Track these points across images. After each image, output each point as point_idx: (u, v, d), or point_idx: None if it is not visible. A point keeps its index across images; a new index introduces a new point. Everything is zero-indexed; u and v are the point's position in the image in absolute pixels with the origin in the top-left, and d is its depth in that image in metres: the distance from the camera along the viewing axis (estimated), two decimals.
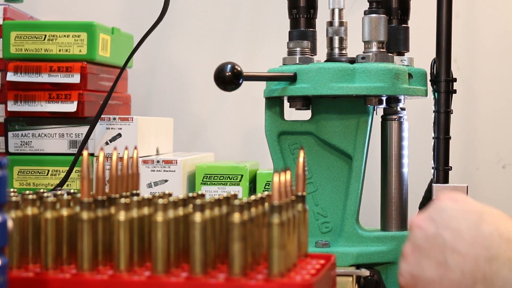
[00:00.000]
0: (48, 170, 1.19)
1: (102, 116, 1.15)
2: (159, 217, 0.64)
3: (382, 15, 0.95)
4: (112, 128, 1.17)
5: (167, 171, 1.16)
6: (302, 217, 0.72)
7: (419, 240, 0.79)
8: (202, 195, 0.73)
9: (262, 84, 0.99)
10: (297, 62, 0.97)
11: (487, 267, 0.74)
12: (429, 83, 1.00)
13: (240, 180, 1.17)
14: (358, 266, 0.93)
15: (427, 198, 1.03)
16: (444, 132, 1.00)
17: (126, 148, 0.74)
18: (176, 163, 1.16)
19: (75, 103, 1.19)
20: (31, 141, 1.20)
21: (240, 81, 0.90)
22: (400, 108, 0.99)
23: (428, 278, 0.77)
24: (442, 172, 1.00)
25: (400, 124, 0.99)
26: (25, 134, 1.20)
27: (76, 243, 0.66)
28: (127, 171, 0.74)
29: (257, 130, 1.45)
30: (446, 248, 0.77)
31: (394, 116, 0.99)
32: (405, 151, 1.00)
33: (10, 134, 1.20)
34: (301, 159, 0.72)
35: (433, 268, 0.77)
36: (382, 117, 1.00)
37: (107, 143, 1.16)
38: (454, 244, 0.77)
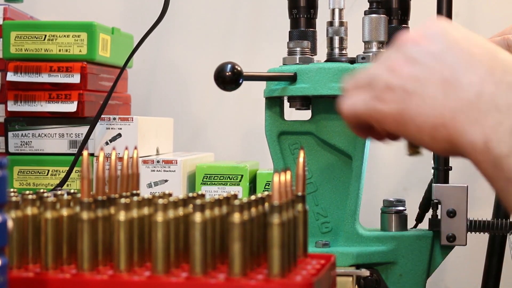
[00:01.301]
0: (48, 170, 1.19)
1: (102, 116, 1.15)
2: (159, 217, 0.64)
3: (382, 15, 0.95)
4: (112, 128, 1.17)
5: (167, 171, 1.16)
6: (302, 217, 0.72)
7: (417, 54, 0.66)
8: (202, 195, 0.73)
9: (262, 84, 0.99)
10: (297, 62, 0.97)
11: (510, 96, 0.62)
12: None
13: (240, 180, 1.17)
14: (358, 266, 0.93)
15: (427, 198, 1.03)
16: None
17: (126, 148, 0.74)
18: (176, 163, 1.16)
19: (75, 103, 1.19)
20: (31, 141, 1.20)
21: (240, 81, 0.90)
22: None
23: (429, 94, 0.65)
24: (442, 172, 1.00)
25: None
26: (25, 134, 1.20)
27: (76, 243, 0.66)
28: (127, 171, 0.74)
29: (257, 130, 1.45)
30: (458, 66, 0.64)
31: None
32: None
33: (10, 134, 1.20)
34: (301, 159, 0.72)
35: (437, 83, 0.64)
36: None
37: (107, 143, 1.17)
38: (468, 65, 0.64)
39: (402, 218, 0.99)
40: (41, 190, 0.73)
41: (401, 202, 0.99)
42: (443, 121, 0.63)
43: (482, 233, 1.02)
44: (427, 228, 0.99)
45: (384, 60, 0.67)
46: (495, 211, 1.16)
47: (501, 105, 0.61)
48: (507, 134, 0.60)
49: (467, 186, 0.98)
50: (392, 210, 0.98)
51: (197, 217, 0.63)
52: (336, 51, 1.00)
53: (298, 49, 0.97)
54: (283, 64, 0.98)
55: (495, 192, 0.63)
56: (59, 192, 0.71)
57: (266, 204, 0.70)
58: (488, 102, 0.62)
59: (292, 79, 0.94)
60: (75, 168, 1.16)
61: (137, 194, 0.75)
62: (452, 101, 0.63)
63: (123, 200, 0.66)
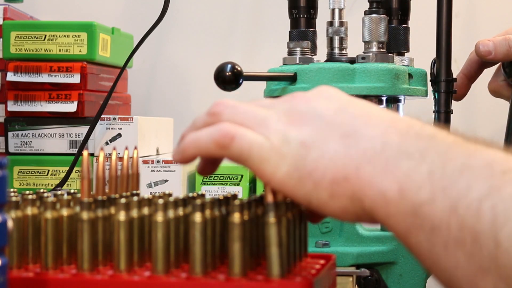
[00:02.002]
0: (48, 170, 1.19)
1: (102, 116, 1.15)
2: (159, 217, 0.64)
3: (382, 15, 0.95)
4: (112, 128, 1.17)
5: (167, 171, 1.16)
6: (301, 216, 0.72)
7: (314, 110, 0.60)
8: (202, 195, 0.73)
9: (262, 84, 0.99)
10: (297, 62, 0.97)
11: (423, 143, 0.56)
12: (429, 83, 1.00)
13: (240, 180, 1.17)
14: (358, 266, 0.93)
15: None
16: None
17: (126, 148, 0.74)
18: (176, 163, 1.16)
19: (75, 103, 1.19)
20: (31, 141, 1.20)
21: (240, 81, 0.90)
22: None
23: (329, 148, 0.58)
24: None
25: None
26: (25, 134, 1.20)
27: (76, 243, 0.66)
28: (127, 171, 0.74)
29: None
30: (356, 121, 0.59)
31: None
32: None
33: (10, 134, 1.20)
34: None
35: (336, 138, 0.58)
36: None
37: (107, 143, 1.17)
38: (368, 119, 0.59)
39: None
40: (41, 190, 0.73)
41: None
42: (345, 173, 0.57)
43: None
44: None
45: (277, 109, 0.61)
46: None
47: (412, 152, 0.56)
48: (425, 179, 0.54)
49: None
50: None
51: (197, 217, 0.63)
52: (336, 51, 1.00)
53: (298, 49, 0.97)
54: (283, 64, 0.98)
55: (412, 250, 0.56)
56: (59, 192, 0.71)
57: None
58: (396, 150, 0.56)
59: (292, 79, 0.94)
60: (75, 168, 1.16)
61: (137, 194, 0.75)
62: (355, 153, 0.57)
63: (123, 200, 0.66)
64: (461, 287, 0.53)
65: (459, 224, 0.52)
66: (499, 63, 1.08)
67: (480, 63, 1.06)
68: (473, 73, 1.07)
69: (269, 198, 0.63)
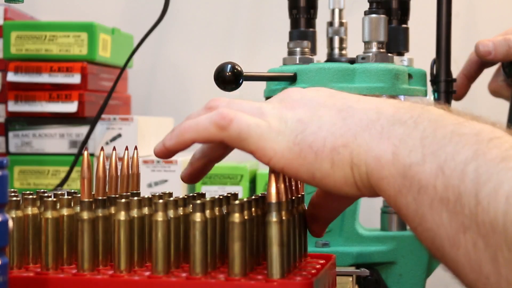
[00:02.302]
0: (49, 170, 1.19)
1: (102, 116, 1.15)
2: (159, 217, 0.64)
3: (382, 15, 0.96)
4: (112, 128, 1.17)
5: (167, 171, 1.16)
6: (301, 217, 0.72)
7: (308, 95, 0.64)
8: (202, 195, 0.73)
9: (262, 84, 0.99)
10: (297, 62, 0.97)
11: (415, 112, 0.59)
12: (429, 83, 1.01)
13: (240, 180, 1.17)
14: (358, 266, 0.93)
15: None
16: None
17: (126, 148, 0.74)
18: (176, 163, 1.16)
19: (76, 103, 1.19)
20: (31, 141, 1.20)
21: (240, 81, 0.90)
22: None
23: (325, 121, 0.61)
24: None
25: None
26: (26, 134, 1.20)
27: (76, 243, 0.66)
28: (127, 171, 0.74)
29: None
30: (349, 100, 0.63)
31: None
32: None
33: (10, 134, 1.20)
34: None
35: (333, 113, 0.61)
36: None
37: (107, 143, 1.17)
38: (358, 98, 0.63)
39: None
40: (41, 190, 0.73)
41: None
42: (344, 141, 0.59)
43: None
44: None
45: (271, 101, 0.65)
46: None
47: (405, 119, 0.58)
48: (417, 143, 0.57)
49: None
50: (392, 210, 0.98)
51: (197, 217, 0.63)
52: (336, 51, 1.00)
53: (298, 49, 0.97)
54: (283, 64, 0.98)
55: (400, 211, 0.58)
56: (59, 192, 0.71)
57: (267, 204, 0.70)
58: (391, 119, 0.59)
59: (292, 79, 0.94)
60: (75, 168, 1.16)
61: (137, 194, 0.75)
62: (352, 123, 0.60)
63: (123, 200, 0.66)
64: (443, 245, 0.55)
65: (445, 184, 0.54)
66: (499, 63, 1.08)
67: (480, 63, 1.06)
68: (473, 73, 1.07)
69: (271, 197, 0.63)
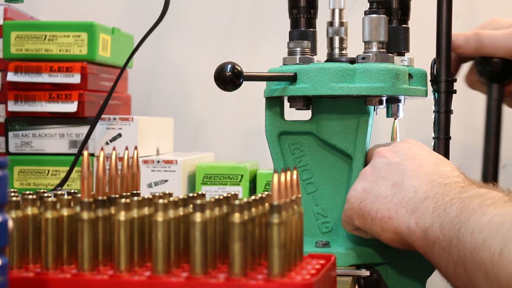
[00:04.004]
0: (49, 170, 1.19)
1: (102, 116, 1.15)
2: (159, 217, 0.64)
3: (382, 15, 0.96)
4: (112, 128, 1.17)
5: (167, 171, 1.16)
6: (301, 218, 0.72)
7: (380, 165, 0.86)
8: (202, 195, 0.73)
9: (262, 84, 0.99)
10: (297, 62, 0.97)
11: (440, 189, 0.80)
12: (429, 83, 1.00)
13: (240, 180, 1.17)
14: (358, 266, 0.93)
15: None
16: (444, 132, 1.00)
17: (126, 148, 0.74)
18: (176, 163, 1.16)
19: (76, 103, 1.19)
20: (31, 141, 1.20)
21: (240, 81, 0.90)
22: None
23: (381, 194, 0.84)
24: None
25: None
26: (26, 134, 1.20)
27: (76, 243, 0.66)
28: (127, 171, 0.74)
29: (257, 130, 1.45)
30: (405, 173, 0.84)
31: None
32: None
33: (10, 134, 1.20)
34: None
35: (389, 186, 0.84)
36: None
37: (107, 143, 1.17)
38: (414, 172, 0.84)
39: None
40: (41, 190, 0.73)
41: None
42: (389, 214, 0.82)
43: None
44: None
45: (364, 169, 0.89)
46: None
47: (430, 195, 0.80)
48: (430, 212, 0.79)
49: None
50: None
51: (197, 217, 0.63)
52: (336, 51, 1.00)
53: (298, 49, 0.97)
54: (283, 64, 0.98)
55: (432, 263, 0.80)
56: (59, 192, 0.71)
57: (266, 204, 0.70)
58: (422, 196, 0.81)
59: (292, 79, 0.94)
60: (75, 168, 1.16)
61: (137, 194, 0.75)
62: (397, 200, 0.82)
63: (123, 200, 0.66)
64: (450, 280, 0.77)
65: (444, 234, 0.76)
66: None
67: (458, 58, 1.07)
68: (452, 69, 1.07)
69: (274, 199, 0.63)
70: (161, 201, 0.65)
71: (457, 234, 0.73)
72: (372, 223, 0.84)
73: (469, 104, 1.44)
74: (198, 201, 0.64)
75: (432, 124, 1.01)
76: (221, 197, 0.69)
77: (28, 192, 0.70)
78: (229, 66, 0.90)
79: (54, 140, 1.20)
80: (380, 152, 0.88)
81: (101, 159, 0.68)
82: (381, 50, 0.95)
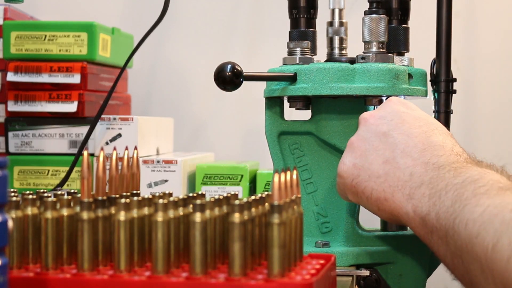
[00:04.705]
0: (48, 170, 1.19)
1: (102, 116, 1.15)
2: (159, 217, 0.64)
3: (382, 15, 0.96)
4: (112, 128, 1.17)
5: (167, 171, 1.16)
6: (300, 217, 0.72)
7: (367, 134, 0.84)
8: (202, 195, 0.73)
9: (262, 84, 0.99)
10: (297, 62, 0.97)
11: (434, 173, 0.78)
12: (429, 83, 1.01)
13: (240, 180, 1.17)
14: (358, 266, 0.93)
15: None
16: None
17: (126, 148, 0.74)
18: (176, 163, 1.16)
19: (75, 103, 1.19)
20: (31, 141, 1.20)
21: (240, 81, 0.90)
22: None
23: (373, 172, 0.82)
24: None
25: None
26: (26, 134, 1.20)
27: (76, 243, 0.66)
28: (127, 171, 0.74)
29: (257, 130, 1.45)
30: (396, 148, 0.81)
31: None
32: None
33: (10, 134, 1.20)
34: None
35: (381, 163, 0.82)
36: None
37: (107, 143, 1.17)
38: (405, 147, 0.81)
39: None
40: (41, 190, 0.73)
41: None
42: (385, 196, 0.81)
43: None
44: None
45: (351, 139, 0.86)
46: None
47: (426, 180, 0.78)
48: (426, 200, 0.78)
49: None
50: None
51: (197, 217, 0.63)
52: (336, 51, 1.00)
53: (298, 49, 0.97)
54: (283, 64, 0.98)
55: (431, 250, 0.79)
56: (59, 192, 0.71)
57: (266, 204, 0.70)
58: (417, 180, 0.79)
59: (292, 79, 0.94)
60: (75, 168, 1.16)
61: (137, 194, 0.75)
62: (391, 180, 0.81)
63: (123, 200, 0.66)
64: (449, 269, 0.77)
65: (440, 224, 0.75)
66: None
67: None
68: None
69: (274, 199, 0.63)
70: (161, 201, 0.65)
71: (453, 225, 0.73)
72: (368, 202, 0.83)
73: (469, 104, 1.44)
74: (198, 201, 0.64)
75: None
76: (221, 197, 0.69)
77: (28, 192, 0.70)
78: (229, 66, 0.90)
79: (54, 140, 1.20)
80: (366, 118, 0.86)
81: (101, 159, 0.68)
82: (381, 50, 0.95)
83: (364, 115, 0.86)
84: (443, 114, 1.00)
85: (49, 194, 0.72)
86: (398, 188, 0.80)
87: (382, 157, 0.82)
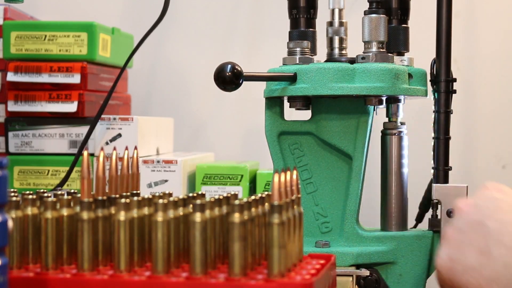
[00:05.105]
0: (48, 170, 1.19)
1: (102, 116, 1.15)
2: (159, 217, 0.64)
3: (382, 15, 0.96)
4: (112, 128, 1.17)
5: (167, 171, 1.16)
6: (300, 217, 0.72)
7: (462, 225, 0.81)
8: (202, 195, 0.73)
9: (262, 84, 0.99)
10: (297, 62, 0.97)
11: None
12: (429, 83, 1.00)
13: (240, 180, 1.17)
14: (358, 266, 0.93)
15: (427, 198, 1.03)
16: (444, 132, 1.00)
17: (126, 148, 0.74)
18: (176, 163, 1.16)
19: (75, 103, 1.19)
20: (31, 141, 1.20)
21: (240, 81, 0.90)
22: (400, 122, 1.00)
23: (468, 265, 0.79)
24: (442, 172, 1.00)
25: (400, 138, 0.99)
26: (26, 134, 1.20)
27: (76, 243, 0.66)
28: (127, 171, 0.74)
29: (257, 130, 1.45)
30: (490, 238, 0.79)
31: (394, 131, 0.99)
32: (405, 151, 1.00)
33: (10, 134, 1.20)
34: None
35: (475, 255, 0.79)
36: (382, 131, 1.00)
37: (107, 143, 1.17)
38: (499, 235, 0.79)
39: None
40: (41, 190, 0.73)
41: None
42: None
43: None
44: (427, 228, 0.99)
45: (445, 230, 0.84)
46: None
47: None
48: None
49: (467, 186, 0.98)
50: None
51: (197, 217, 0.63)
52: (336, 51, 1.00)
53: (298, 49, 0.97)
54: (283, 64, 0.98)
55: None
56: (59, 192, 0.71)
57: (266, 204, 0.70)
58: (509, 272, 0.77)
59: (292, 79, 0.94)
60: (75, 168, 1.16)
61: (137, 194, 0.75)
62: (487, 272, 0.78)
63: (123, 200, 0.66)
64: None
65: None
66: None
67: None
68: None
69: (274, 199, 0.63)
70: (161, 201, 0.65)
71: None
72: None
73: (469, 104, 1.44)
74: (198, 201, 0.64)
75: (432, 124, 1.01)
76: (221, 197, 0.69)
77: (28, 192, 0.70)
78: (229, 66, 0.90)
79: (54, 140, 1.20)
80: (461, 207, 0.84)
81: (101, 159, 0.68)
82: (381, 50, 0.95)
83: (459, 204, 0.84)
84: (443, 114, 1.00)
85: (49, 194, 0.72)
86: (494, 281, 0.79)
87: (476, 248, 0.80)
